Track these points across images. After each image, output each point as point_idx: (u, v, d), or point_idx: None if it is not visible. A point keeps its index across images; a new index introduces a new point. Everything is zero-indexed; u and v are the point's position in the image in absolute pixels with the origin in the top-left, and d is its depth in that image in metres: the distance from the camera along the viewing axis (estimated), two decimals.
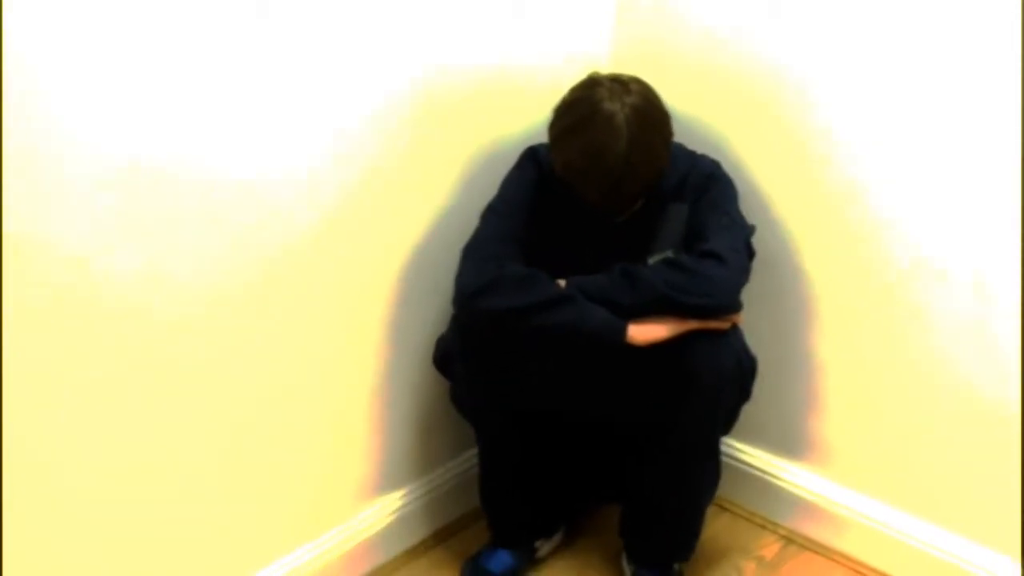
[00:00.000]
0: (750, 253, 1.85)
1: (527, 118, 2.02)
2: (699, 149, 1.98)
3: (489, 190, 1.93)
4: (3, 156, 1.31)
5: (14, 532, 1.49)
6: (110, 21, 1.38)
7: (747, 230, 1.87)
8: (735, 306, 1.79)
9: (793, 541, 2.21)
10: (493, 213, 1.89)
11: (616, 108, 1.71)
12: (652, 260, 1.82)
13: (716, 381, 1.79)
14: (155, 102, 1.47)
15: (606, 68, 2.10)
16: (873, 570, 2.12)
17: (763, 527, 2.26)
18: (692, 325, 1.75)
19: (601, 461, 2.11)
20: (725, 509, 2.27)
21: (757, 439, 2.24)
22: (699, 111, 2.07)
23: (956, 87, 1.76)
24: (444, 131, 1.91)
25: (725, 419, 1.89)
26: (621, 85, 1.75)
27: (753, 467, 2.26)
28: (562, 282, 1.76)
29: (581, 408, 1.93)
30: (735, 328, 1.82)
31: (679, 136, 1.86)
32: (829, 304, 2.05)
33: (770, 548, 2.20)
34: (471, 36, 1.89)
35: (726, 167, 1.95)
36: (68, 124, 1.38)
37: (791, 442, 2.21)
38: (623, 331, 1.73)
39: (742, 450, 2.25)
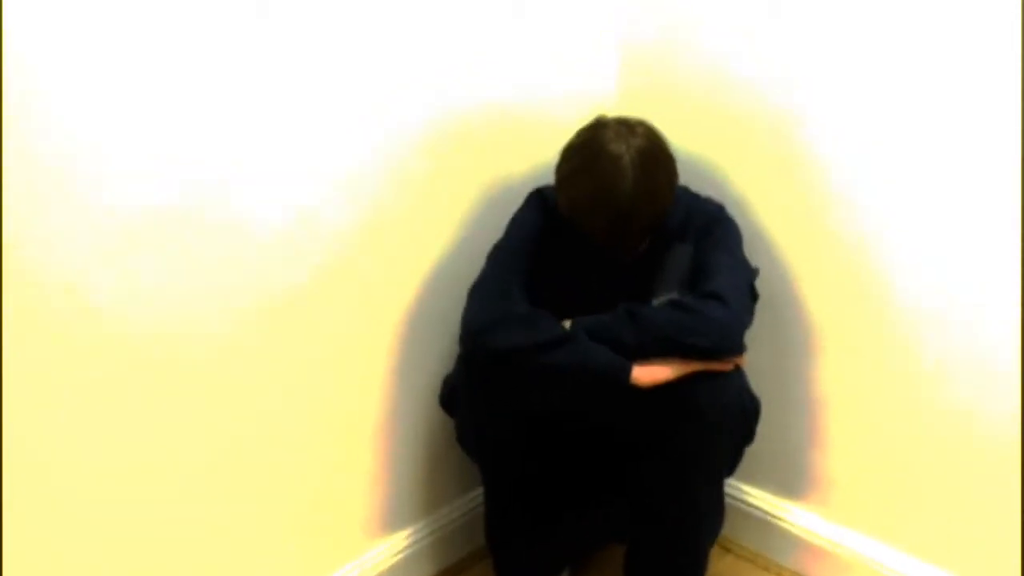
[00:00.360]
0: (754, 295, 1.88)
1: (533, 158, 2.06)
2: (703, 189, 2.01)
3: (495, 229, 1.96)
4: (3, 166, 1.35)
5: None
6: (119, 47, 1.42)
7: (751, 272, 1.90)
8: (738, 348, 1.81)
9: None
10: (500, 253, 1.91)
11: (622, 150, 1.74)
12: (657, 301, 1.84)
13: (717, 420, 1.80)
14: (170, 144, 1.51)
15: (612, 107, 2.15)
16: None
17: (767, 569, 2.26)
18: (695, 366, 1.77)
19: (606, 501, 2.12)
20: (728, 550, 2.28)
21: (760, 479, 2.25)
22: (703, 151, 2.11)
23: (958, 129, 1.78)
24: (450, 171, 1.95)
25: (729, 461, 1.90)
26: (627, 127, 1.79)
27: (756, 508, 2.26)
28: (567, 322, 1.78)
29: (586, 444, 1.95)
30: (738, 370, 1.83)
31: (684, 176, 1.89)
32: (831, 344, 2.07)
33: None
34: (478, 76, 1.93)
35: (730, 207, 1.98)
36: (77, 148, 1.42)
37: (794, 482, 2.22)
38: (628, 371, 1.75)
39: (745, 491, 2.26)
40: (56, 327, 1.46)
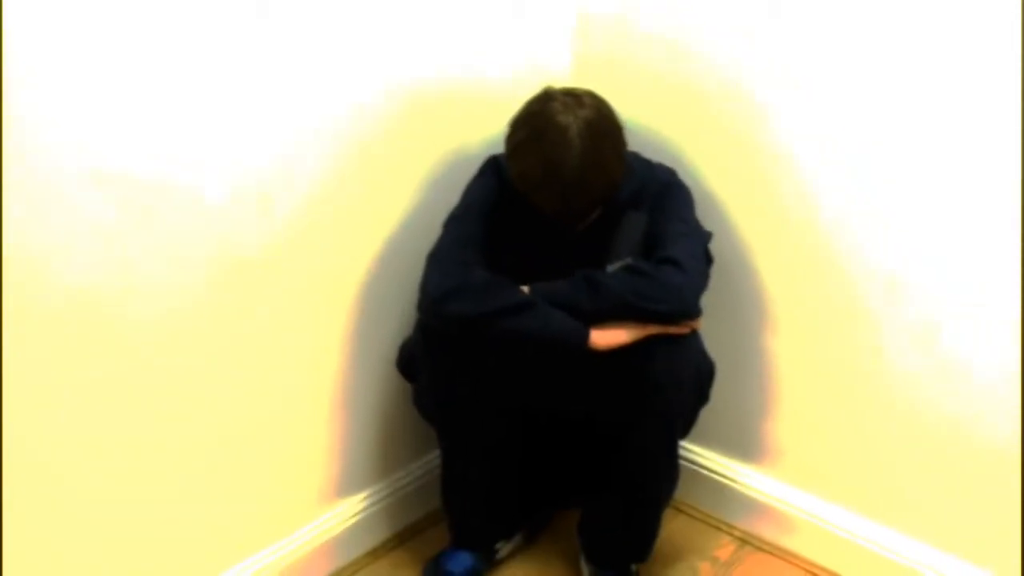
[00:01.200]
0: (708, 259, 1.89)
1: (488, 128, 2.03)
2: (656, 158, 2.02)
3: (451, 198, 1.96)
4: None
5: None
6: (87, 39, 1.41)
7: (705, 237, 1.91)
8: (695, 312, 1.83)
9: (748, 542, 2.26)
10: (455, 221, 1.91)
11: (569, 121, 1.74)
12: (611, 268, 1.85)
13: (674, 385, 1.82)
14: (131, 114, 1.49)
15: (567, 79, 2.15)
16: (825, 570, 2.17)
17: (718, 528, 2.30)
18: (652, 330, 1.79)
19: (562, 464, 2.14)
20: (680, 511, 2.31)
21: (712, 442, 2.28)
22: (656, 121, 2.12)
23: (908, 92, 1.80)
24: (405, 140, 1.94)
25: (683, 422, 1.92)
26: (574, 98, 1.78)
27: (708, 469, 2.30)
28: (526, 288, 1.79)
29: (542, 410, 1.97)
30: (694, 333, 1.86)
31: (636, 146, 1.90)
32: (784, 309, 2.10)
33: (725, 549, 2.25)
34: (434, 48, 1.92)
35: (682, 175, 1.99)
36: (51, 135, 1.41)
37: (745, 445, 2.26)
38: (586, 336, 1.76)
39: (697, 453, 2.29)
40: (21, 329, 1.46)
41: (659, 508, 2.02)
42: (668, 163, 2.02)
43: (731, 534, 2.29)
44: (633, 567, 2.08)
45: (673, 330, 1.80)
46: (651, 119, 2.11)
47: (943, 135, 1.79)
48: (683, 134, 2.11)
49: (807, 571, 2.19)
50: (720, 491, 2.29)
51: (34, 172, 1.41)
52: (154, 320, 1.63)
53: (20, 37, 1.34)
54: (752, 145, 2.02)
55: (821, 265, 2.00)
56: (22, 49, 1.35)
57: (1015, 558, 1.90)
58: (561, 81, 2.03)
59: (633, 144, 1.87)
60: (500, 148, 1.91)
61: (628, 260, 1.86)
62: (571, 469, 2.13)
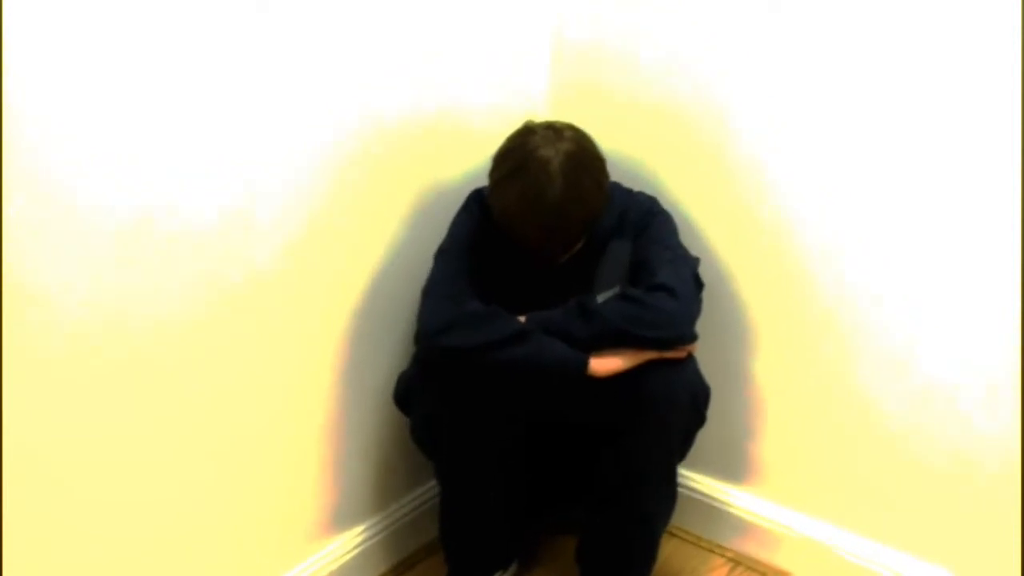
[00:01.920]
0: (699, 284, 1.92)
1: (469, 159, 2.08)
2: (635, 186, 2.05)
3: (436, 229, 1.97)
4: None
5: None
6: (80, 74, 1.42)
7: (693, 262, 1.94)
8: (690, 337, 1.85)
9: (740, 563, 2.28)
10: (444, 255, 1.93)
11: (550, 154, 1.76)
12: (600, 297, 1.87)
13: (671, 407, 1.84)
14: (123, 151, 1.50)
15: (544, 108, 2.18)
16: None
17: (710, 551, 2.32)
18: (650, 356, 1.81)
19: (559, 492, 2.16)
20: (673, 535, 2.33)
21: (701, 465, 2.30)
22: (634, 149, 2.15)
23: (885, 113, 1.85)
24: (389, 174, 1.95)
25: (681, 445, 1.94)
26: (555, 132, 1.81)
27: (698, 492, 2.32)
28: (522, 318, 1.80)
29: (542, 437, 1.98)
30: (690, 357, 1.88)
31: (616, 175, 1.93)
32: (766, 331, 2.13)
33: (719, 571, 2.26)
34: (410, 81, 1.93)
35: (661, 201, 2.02)
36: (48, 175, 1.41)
37: (733, 467, 2.29)
38: (585, 363, 1.78)
39: (687, 476, 2.31)
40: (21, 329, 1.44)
41: (658, 530, 2.04)
42: (646, 189, 2.05)
43: (723, 555, 2.31)
44: None
45: (670, 355, 1.83)
46: (628, 145, 2.13)
47: (922, 157, 1.83)
48: (660, 159, 2.14)
49: None
50: (711, 514, 2.32)
51: (47, 210, 1.42)
52: (142, 357, 1.62)
53: (20, 72, 1.34)
54: (729, 169, 2.05)
55: (801, 287, 2.04)
56: (22, 80, 1.35)
57: (1003, 568, 1.94)
58: (539, 109, 2.06)
59: (611, 170, 1.89)
60: (482, 179, 1.93)
61: (617, 288, 1.88)
62: (568, 495, 2.14)
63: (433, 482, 2.17)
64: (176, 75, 1.53)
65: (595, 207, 1.83)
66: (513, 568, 2.18)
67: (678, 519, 2.27)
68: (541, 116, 2.00)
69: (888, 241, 1.91)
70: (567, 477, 2.14)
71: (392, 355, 2.06)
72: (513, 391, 1.83)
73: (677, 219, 2.02)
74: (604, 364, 1.79)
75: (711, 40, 2.00)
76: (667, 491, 2.00)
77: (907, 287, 1.92)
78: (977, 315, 1.86)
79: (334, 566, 2.08)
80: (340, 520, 2.09)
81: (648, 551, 2.05)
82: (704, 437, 2.01)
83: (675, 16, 2.02)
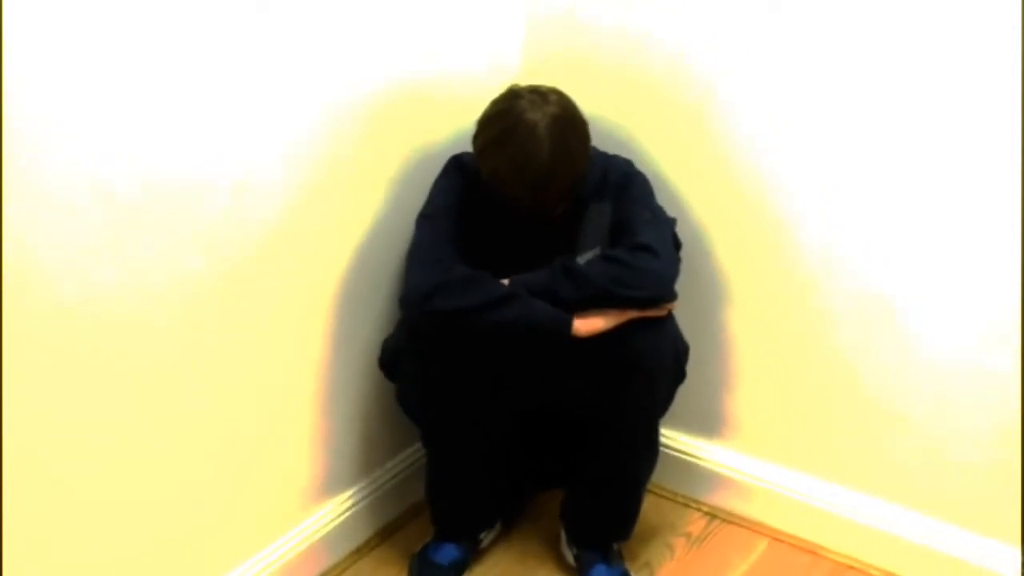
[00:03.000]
0: (677, 244, 1.97)
1: (449, 125, 2.10)
2: (608, 148, 2.08)
3: (419, 196, 2.00)
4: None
5: None
6: (81, 40, 1.42)
7: (670, 223, 1.99)
8: (671, 296, 1.90)
9: (716, 516, 2.35)
10: (427, 220, 1.95)
11: (538, 118, 1.80)
12: (582, 258, 1.91)
13: (656, 364, 1.90)
14: (121, 113, 1.50)
15: (520, 75, 2.20)
16: (789, 535, 2.27)
17: (687, 505, 2.38)
18: (632, 315, 1.85)
19: (545, 449, 2.20)
20: (650, 491, 2.34)
21: (675, 421, 2.32)
22: (608, 112, 2.17)
23: (861, 82, 1.91)
24: (373, 143, 1.97)
25: (663, 400, 2.00)
26: (540, 96, 1.84)
27: (674, 449, 2.37)
28: (506, 281, 1.84)
29: (528, 398, 2.02)
30: (670, 315, 1.93)
31: (592, 138, 1.96)
32: (740, 287, 2.19)
33: (696, 524, 2.33)
34: (388, 49, 1.94)
35: (636, 163, 2.06)
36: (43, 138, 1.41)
37: (707, 421, 2.35)
38: (569, 324, 1.82)
39: (663, 433, 2.34)
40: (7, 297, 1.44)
41: (642, 485, 2.10)
42: (621, 152, 2.09)
43: (700, 510, 2.37)
44: (615, 546, 2.14)
45: (652, 313, 1.87)
46: (604, 110, 2.15)
47: (892, 116, 1.90)
48: (636, 124, 2.18)
49: (773, 538, 2.28)
50: (686, 469, 2.38)
51: (31, 180, 1.41)
52: (134, 327, 1.63)
53: (17, 50, 1.34)
54: (704, 130, 2.10)
55: (775, 245, 2.10)
56: (19, 61, 1.35)
57: (973, 510, 2.03)
58: (515, 76, 2.09)
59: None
60: (462, 144, 1.97)
61: (598, 250, 1.92)
62: (553, 453, 2.18)
63: (417, 445, 2.21)
64: (165, 51, 1.54)
65: (581, 168, 1.87)
66: (497, 527, 2.23)
67: (655, 476, 2.32)
68: (520, 79, 2.03)
69: (867, 198, 1.97)
70: (552, 439, 2.19)
71: (377, 321, 2.08)
72: (499, 353, 1.87)
73: (652, 180, 2.06)
74: (587, 324, 1.83)
75: (685, 4, 2.04)
76: (650, 446, 2.05)
77: (879, 243, 1.98)
78: (951, 271, 1.93)
79: (324, 531, 2.11)
80: (329, 486, 2.12)
81: (632, 506, 2.11)
82: (679, 393, 2.06)
83: None
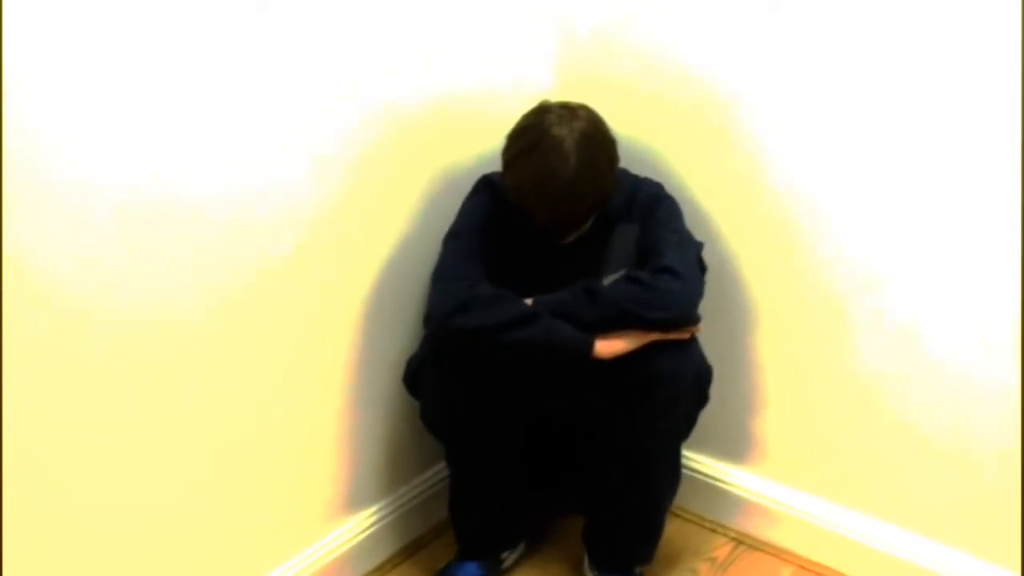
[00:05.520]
0: (702, 268, 1.96)
1: (477, 146, 2.12)
2: (640, 170, 2.08)
3: (446, 215, 2.01)
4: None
5: None
6: (93, 59, 1.45)
7: (697, 246, 1.98)
8: (694, 318, 1.90)
9: (743, 542, 2.33)
10: (454, 238, 1.97)
11: (564, 133, 1.81)
12: (608, 279, 1.91)
13: (676, 387, 1.89)
14: (143, 132, 1.53)
15: (550, 95, 2.21)
16: (817, 564, 2.25)
17: (713, 530, 2.36)
18: (654, 337, 1.85)
19: (566, 470, 2.20)
20: (676, 515, 2.36)
21: (702, 445, 2.33)
22: (639, 134, 2.18)
23: (889, 99, 1.89)
24: (400, 162, 1.99)
25: (685, 424, 1.99)
26: (569, 111, 1.86)
27: (700, 473, 2.36)
28: (529, 300, 1.85)
29: (549, 417, 2.02)
30: (693, 338, 1.92)
31: (623, 161, 1.96)
32: (768, 312, 2.18)
33: (722, 549, 2.31)
34: (418, 69, 1.96)
35: (667, 186, 2.06)
36: (58, 159, 1.44)
37: (734, 446, 2.33)
38: (590, 345, 1.82)
39: (689, 457, 2.35)
40: (28, 319, 1.47)
41: (663, 509, 2.09)
42: (651, 173, 2.10)
43: (726, 535, 2.35)
44: (637, 569, 2.14)
45: (674, 336, 1.87)
46: (635, 131, 2.17)
47: (924, 137, 1.87)
48: (665, 145, 2.18)
49: (800, 566, 2.26)
50: (713, 493, 2.36)
51: (37, 186, 1.43)
52: (160, 340, 1.66)
53: (22, 52, 1.36)
54: (733, 154, 2.09)
55: (803, 269, 2.08)
56: (24, 62, 1.37)
57: (1003, 544, 1.99)
58: (546, 96, 2.09)
59: (619, 155, 1.93)
60: (490, 165, 1.98)
61: (624, 271, 1.93)
62: (574, 473, 2.18)
63: (442, 464, 2.22)
64: (189, 67, 1.57)
65: (607, 186, 1.88)
66: (521, 547, 2.23)
67: (680, 499, 2.30)
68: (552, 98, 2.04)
69: (891, 223, 1.95)
70: (574, 478, 2.19)
71: (403, 339, 2.10)
72: (521, 372, 1.88)
73: (682, 203, 2.05)
74: (609, 346, 1.83)
75: (718, 25, 2.03)
76: (672, 470, 2.04)
77: (910, 268, 1.96)
78: (980, 293, 1.90)
79: (347, 546, 2.12)
80: (353, 501, 2.14)
81: (653, 529, 2.10)
82: (706, 417, 2.05)
83: (682, 2, 2.06)
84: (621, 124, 1.99)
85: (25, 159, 1.40)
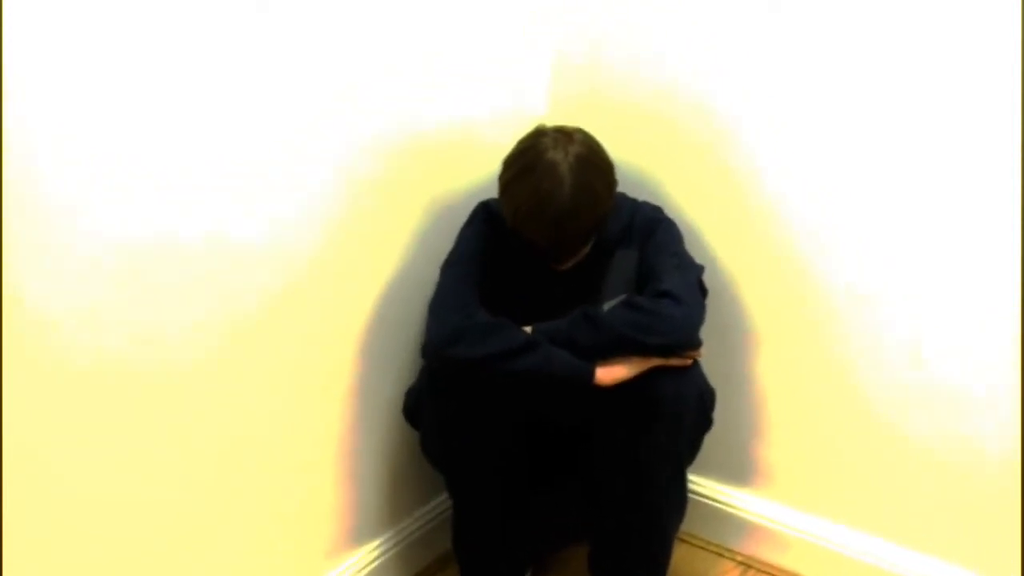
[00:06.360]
0: (703, 291, 1.95)
1: (473, 173, 2.11)
2: (637, 194, 2.08)
3: (443, 243, 2.01)
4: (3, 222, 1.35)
5: None
6: (92, 100, 1.44)
7: (697, 270, 1.97)
8: (695, 342, 1.89)
9: (751, 566, 2.31)
10: (451, 267, 1.96)
11: (560, 157, 1.80)
12: (607, 305, 1.90)
13: (679, 411, 1.87)
14: (140, 170, 1.52)
15: (545, 120, 2.20)
16: None
17: (720, 555, 2.35)
18: (655, 362, 1.84)
19: (570, 499, 2.18)
20: (682, 540, 2.34)
21: (707, 469, 2.32)
22: (636, 158, 2.18)
23: (885, 120, 1.89)
24: (397, 189, 1.98)
25: (689, 448, 1.98)
26: (565, 135, 1.85)
27: (707, 497, 2.35)
28: (528, 328, 1.84)
29: (549, 446, 2.01)
30: (696, 362, 1.91)
31: (621, 185, 1.95)
32: (768, 334, 2.17)
33: (730, 574, 2.30)
34: (415, 97, 1.96)
35: (666, 211, 2.06)
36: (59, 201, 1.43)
37: (740, 470, 2.32)
38: (591, 373, 1.81)
39: (694, 481, 2.33)
40: (26, 355, 1.45)
41: (669, 534, 2.07)
42: (650, 198, 2.09)
43: (734, 559, 2.34)
44: None
45: (675, 361, 1.85)
46: (632, 155, 2.16)
47: (923, 159, 1.87)
48: (664, 170, 2.18)
49: None
50: (719, 517, 2.35)
51: (51, 236, 1.43)
52: (159, 379, 1.64)
53: (19, 84, 1.35)
54: (731, 177, 2.09)
55: (803, 291, 2.08)
56: (21, 99, 1.36)
57: (1009, 563, 1.97)
58: (541, 121, 2.09)
59: (616, 180, 1.92)
60: (488, 190, 1.97)
61: (623, 296, 1.92)
62: (579, 502, 2.16)
63: (445, 495, 2.20)
64: (184, 100, 1.56)
65: (603, 210, 1.87)
66: None
67: (687, 524, 2.28)
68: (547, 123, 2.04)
69: (890, 243, 1.95)
70: (578, 508, 2.16)
71: (402, 370, 2.09)
72: (520, 401, 1.86)
73: (681, 227, 2.05)
74: (610, 373, 1.82)
75: (711, 50, 2.04)
76: (678, 494, 2.03)
77: (909, 288, 1.96)
78: (979, 312, 1.89)
79: None
80: (356, 535, 2.12)
81: (661, 555, 2.08)
82: (710, 441, 2.04)
83: (675, 27, 2.07)
84: (618, 148, 1.99)
85: (21, 198, 1.39)
